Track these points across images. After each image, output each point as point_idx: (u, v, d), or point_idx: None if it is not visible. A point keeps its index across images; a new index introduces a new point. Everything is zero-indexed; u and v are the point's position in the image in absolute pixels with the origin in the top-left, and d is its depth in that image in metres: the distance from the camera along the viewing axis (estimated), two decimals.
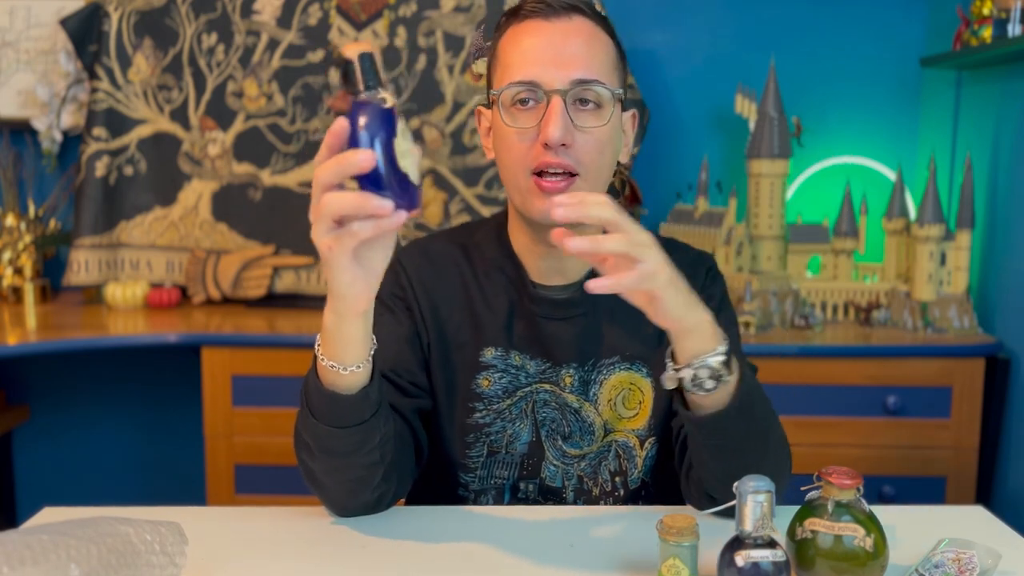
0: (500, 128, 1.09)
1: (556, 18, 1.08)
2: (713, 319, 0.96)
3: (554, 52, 1.06)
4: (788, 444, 1.09)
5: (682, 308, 0.93)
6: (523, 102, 1.07)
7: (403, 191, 0.80)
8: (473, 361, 1.16)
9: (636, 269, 0.89)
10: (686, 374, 0.95)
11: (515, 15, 1.11)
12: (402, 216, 0.80)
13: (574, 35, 1.07)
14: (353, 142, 0.79)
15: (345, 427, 0.97)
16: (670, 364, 0.97)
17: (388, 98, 0.80)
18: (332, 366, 0.93)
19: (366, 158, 0.78)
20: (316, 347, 0.95)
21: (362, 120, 0.79)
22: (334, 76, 2.47)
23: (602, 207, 0.88)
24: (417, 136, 2.47)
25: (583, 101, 1.07)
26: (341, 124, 0.80)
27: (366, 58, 0.79)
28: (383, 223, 0.81)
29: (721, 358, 0.95)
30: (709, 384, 0.95)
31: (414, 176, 0.81)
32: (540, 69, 1.06)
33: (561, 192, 1.06)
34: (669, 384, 0.97)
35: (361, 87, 0.79)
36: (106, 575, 0.78)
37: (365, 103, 0.79)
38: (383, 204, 0.79)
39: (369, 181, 0.79)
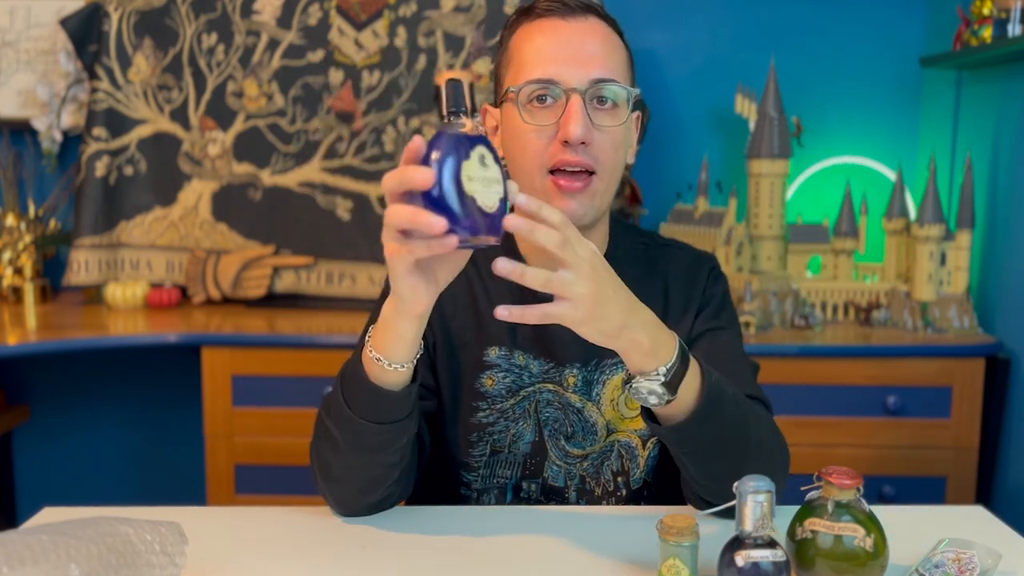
0: (515, 126, 1.09)
1: (573, 17, 1.08)
2: (652, 340, 0.92)
3: (572, 51, 1.07)
4: (783, 444, 1.09)
5: (600, 337, 0.91)
6: (540, 100, 1.07)
7: (466, 215, 0.81)
8: (477, 360, 1.16)
9: (556, 304, 0.87)
10: (630, 386, 0.95)
11: (528, 13, 1.11)
12: (452, 240, 0.80)
13: (591, 35, 1.08)
14: (424, 162, 0.82)
15: (381, 423, 0.97)
16: (624, 373, 0.97)
17: (467, 123, 0.83)
18: (378, 359, 0.94)
19: (422, 175, 0.79)
20: (366, 340, 0.96)
21: (436, 142, 0.82)
22: (334, 76, 2.47)
23: (548, 235, 0.85)
24: None
25: (601, 100, 1.07)
26: (416, 142, 0.82)
27: (451, 85, 0.83)
28: (434, 244, 0.81)
29: (659, 379, 0.93)
30: (651, 400, 0.95)
31: (486, 203, 0.81)
32: (559, 67, 1.06)
33: (578, 191, 1.06)
34: (625, 391, 0.97)
35: (444, 112, 0.83)
36: (106, 575, 0.78)
37: (444, 127, 0.83)
38: (434, 222, 0.80)
39: (430, 200, 0.80)
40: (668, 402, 0.95)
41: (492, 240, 0.83)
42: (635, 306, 0.93)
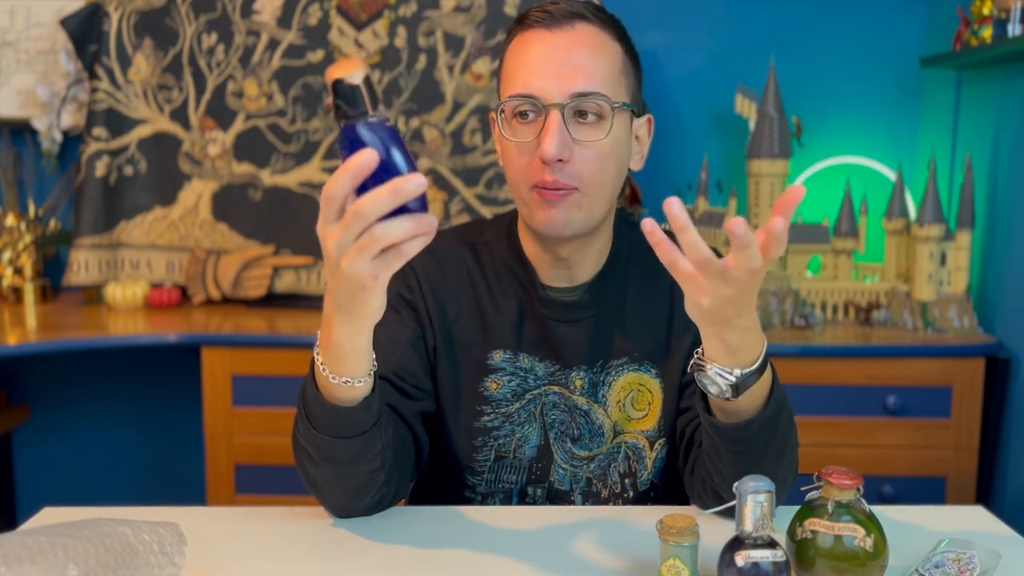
0: (502, 140, 1.09)
1: (558, 28, 1.06)
2: (740, 342, 0.90)
3: (556, 64, 1.04)
4: (798, 447, 1.09)
5: (699, 315, 0.88)
6: (523, 115, 1.06)
7: (424, 198, 0.79)
8: (481, 364, 1.16)
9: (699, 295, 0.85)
10: (696, 367, 0.93)
11: (521, 24, 1.09)
12: (435, 227, 0.80)
13: (577, 45, 1.05)
14: (390, 165, 0.77)
15: (347, 437, 0.96)
16: (697, 351, 0.94)
17: (388, 115, 0.80)
18: (346, 382, 0.92)
19: (420, 183, 0.77)
20: (317, 363, 0.93)
21: (387, 142, 0.78)
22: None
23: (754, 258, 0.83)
24: (417, 136, 2.47)
25: (583, 114, 1.05)
26: (372, 156, 0.77)
27: (367, 81, 0.78)
28: (427, 237, 0.80)
29: (730, 380, 0.91)
30: (712, 389, 0.93)
31: None
32: (540, 82, 1.04)
33: (559, 200, 1.05)
34: (691, 371, 0.95)
35: (370, 108, 0.78)
36: (104, 575, 0.78)
37: (377, 123, 0.78)
38: (432, 221, 0.79)
39: (416, 201, 0.78)
40: (727, 400, 0.93)
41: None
42: (745, 308, 0.89)
